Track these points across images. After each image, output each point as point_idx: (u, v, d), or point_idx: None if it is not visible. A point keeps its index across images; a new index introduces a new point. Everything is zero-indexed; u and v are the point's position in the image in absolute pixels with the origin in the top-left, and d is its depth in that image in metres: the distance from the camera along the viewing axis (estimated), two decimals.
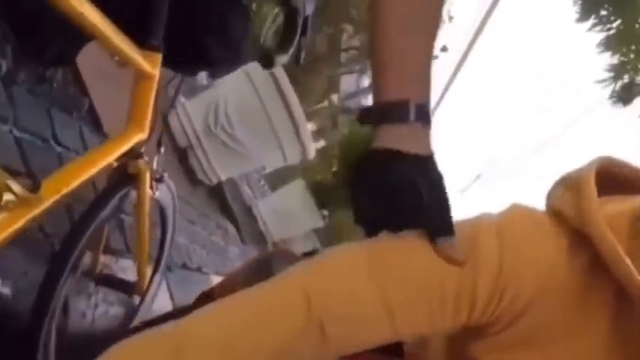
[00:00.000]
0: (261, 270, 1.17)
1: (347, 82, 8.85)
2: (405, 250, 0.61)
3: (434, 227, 0.60)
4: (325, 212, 6.51)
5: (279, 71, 3.34)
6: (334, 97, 8.85)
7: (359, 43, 6.35)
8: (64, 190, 0.98)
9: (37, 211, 0.91)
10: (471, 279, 0.58)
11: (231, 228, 4.32)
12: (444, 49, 7.01)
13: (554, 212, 0.64)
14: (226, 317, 0.59)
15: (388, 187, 0.60)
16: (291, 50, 1.18)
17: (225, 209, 4.35)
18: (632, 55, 3.87)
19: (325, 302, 0.58)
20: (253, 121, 3.42)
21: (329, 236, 7.49)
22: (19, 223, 0.88)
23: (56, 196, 0.96)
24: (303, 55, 1.22)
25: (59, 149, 1.71)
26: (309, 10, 1.18)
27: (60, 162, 1.67)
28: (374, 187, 0.61)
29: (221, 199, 4.31)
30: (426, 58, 0.64)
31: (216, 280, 2.96)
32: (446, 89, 10.37)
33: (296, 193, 5.76)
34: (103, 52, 2.32)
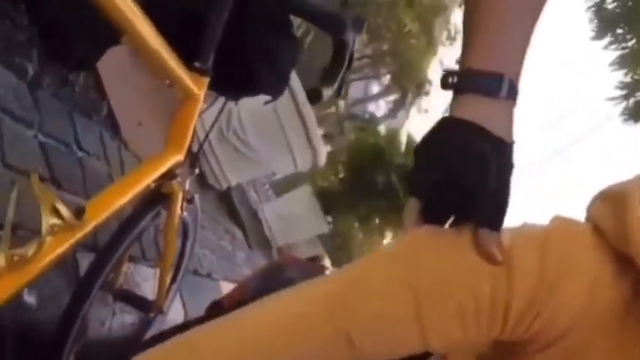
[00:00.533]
0: (273, 278, 1.16)
1: (355, 89, 8.87)
2: (443, 253, 0.58)
3: (485, 216, 0.57)
4: (329, 218, 6.51)
5: (292, 77, 3.34)
6: (341, 103, 8.88)
7: (371, 52, 6.37)
8: (106, 213, 0.97)
9: (80, 234, 0.89)
10: (506, 288, 0.55)
11: (238, 233, 4.32)
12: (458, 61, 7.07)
13: (593, 226, 0.60)
14: (245, 329, 0.57)
15: (460, 160, 0.57)
16: (337, 83, 1.19)
17: (232, 214, 4.35)
18: None
19: (349, 310, 0.56)
20: (266, 126, 3.42)
21: (333, 242, 7.48)
22: (64, 247, 0.85)
23: (98, 220, 0.94)
24: (344, 88, 1.23)
25: (80, 154, 1.71)
26: (355, 44, 1.19)
27: (81, 167, 1.67)
28: (445, 156, 0.58)
29: (229, 203, 4.31)
30: (527, 36, 0.61)
31: (225, 286, 2.96)
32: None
33: (302, 198, 5.75)
34: (123, 57, 2.31)
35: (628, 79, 3.75)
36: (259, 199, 5.91)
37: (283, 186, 6.71)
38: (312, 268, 1.26)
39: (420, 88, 6.69)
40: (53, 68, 1.71)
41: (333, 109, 8.19)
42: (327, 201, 6.17)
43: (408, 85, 6.63)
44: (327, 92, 1.23)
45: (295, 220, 5.63)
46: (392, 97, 8.66)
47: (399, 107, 8.29)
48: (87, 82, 1.99)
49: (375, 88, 9.23)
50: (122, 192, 1.03)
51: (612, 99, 3.77)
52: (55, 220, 0.80)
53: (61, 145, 1.61)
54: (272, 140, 3.45)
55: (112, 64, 2.13)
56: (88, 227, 0.90)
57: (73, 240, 0.86)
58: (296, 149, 3.51)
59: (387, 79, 7.62)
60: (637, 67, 3.79)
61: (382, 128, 8.59)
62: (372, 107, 10.36)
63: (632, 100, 3.75)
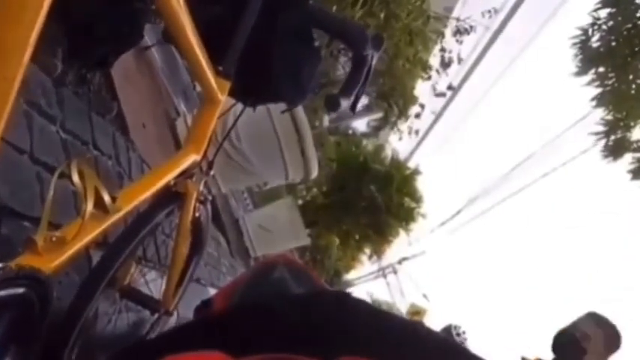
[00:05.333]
0: (263, 277, 1.20)
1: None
2: None
3: None
4: (308, 231, 6.54)
5: None
6: (325, 118, 8.96)
7: None
8: (134, 204, 1.03)
9: (111, 220, 0.95)
10: None
11: (222, 240, 4.32)
12: (450, 87, 7.30)
13: None
14: None
15: None
16: (353, 96, 1.24)
17: (216, 220, 4.35)
18: (624, 113, 4.05)
19: None
20: (261, 136, 3.45)
21: (310, 254, 7.52)
22: (98, 232, 0.92)
23: (128, 208, 1.00)
24: (358, 104, 1.28)
25: (95, 152, 1.72)
26: (374, 61, 1.24)
27: (95, 166, 1.69)
28: None
29: (214, 209, 4.31)
30: None
31: (212, 292, 2.97)
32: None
33: (285, 210, 5.77)
34: (131, 61, 2.34)
35: (609, 116, 3.93)
36: (238, 207, 5.91)
37: (261, 197, 6.71)
38: (302, 268, 1.28)
39: (407, 109, 6.84)
40: (74, 66, 1.73)
41: (317, 123, 8.26)
42: (309, 214, 6.22)
43: (395, 106, 6.77)
44: (344, 102, 1.28)
45: (276, 231, 5.64)
46: (375, 116, 8.79)
47: (382, 126, 8.43)
48: (100, 82, 2.01)
49: (359, 105, 9.32)
50: (148, 185, 1.09)
51: (595, 134, 3.94)
52: (94, 205, 0.83)
53: (78, 143, 1.62)
54: (266, 150, 3.49)
55: (121, 66, 2.16)
56: (120, 213, 0.95)
57: (105, 226, 0.92)
58: (289, 160, 3.55)
59: (372, 97, 7.75)
60: (617, 105, 3.97)
61: (366, 143, 8.74)
62: (354, 124, 10.49)
63: (612, 138, 3.92)
